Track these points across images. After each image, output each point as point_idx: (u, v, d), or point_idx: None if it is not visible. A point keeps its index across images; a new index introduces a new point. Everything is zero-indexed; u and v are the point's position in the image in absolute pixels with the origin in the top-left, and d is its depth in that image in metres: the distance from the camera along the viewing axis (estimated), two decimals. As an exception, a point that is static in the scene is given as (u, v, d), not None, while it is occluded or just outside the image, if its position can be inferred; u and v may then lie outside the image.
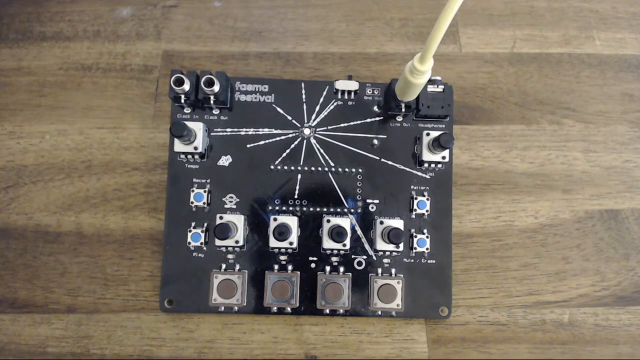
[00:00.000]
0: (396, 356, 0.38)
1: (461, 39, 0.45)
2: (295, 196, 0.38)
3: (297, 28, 0.45)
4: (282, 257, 0.38)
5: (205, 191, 0.37)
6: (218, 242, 0.36)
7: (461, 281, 0.40)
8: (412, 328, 0.39)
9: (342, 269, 0.38)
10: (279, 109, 0.39)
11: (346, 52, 0.45)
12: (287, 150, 0.39)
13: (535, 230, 0.41)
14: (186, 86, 0.36)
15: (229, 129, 0.39)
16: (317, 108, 0.39)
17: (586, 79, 0.44)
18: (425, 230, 0.38)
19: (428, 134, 0.38)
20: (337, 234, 0.36)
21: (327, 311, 0.37)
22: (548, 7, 0.47)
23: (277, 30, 0.45)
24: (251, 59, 0.44)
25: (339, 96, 0.39)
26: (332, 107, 0.39)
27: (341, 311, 0.37)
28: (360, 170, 0.39)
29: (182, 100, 0.37)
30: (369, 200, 0.38)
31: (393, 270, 0.38)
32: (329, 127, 0.39)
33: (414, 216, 0.38)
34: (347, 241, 0.36)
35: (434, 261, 0.38)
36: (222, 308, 0.37)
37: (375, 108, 0.39)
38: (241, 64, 0.44)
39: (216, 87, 0.37)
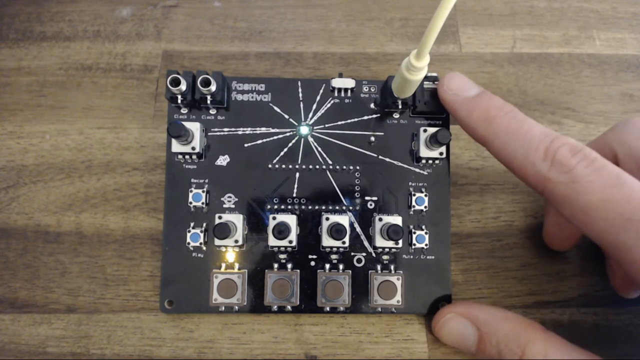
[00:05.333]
0: (396, 356, 0.38)
1: (461, 39, 0.46)
2: (294, 195, 0.38)
3: (297, 28, 0.45)
4: (282, 256, 0.38)
5: (203, 191, 0.37)
6: (217, 242, 0.36)
7: (461, 281, 0.40)
8: (412, 328, 0.39)
9: (341, 267, 0.37)
10: (276, 108, 0.39)
11: (346, 52, 0.45)
12: (285, 149, 0.39)
13: (536, 230, 0.41)
14: (183, 86, 0.36)
15: (226, 129, 0.39)
16: (314, 106, 0.39)
17: (586, 79, 0.44)
18: (423, 227, 0.38)
19: (425, 131, 0.38)
20: (336, 231, 0.36)
21: (328, 309, 0.37)
22: (548, 7, 0.47)
23: (277, 30, 0.45)
24: (251, 59, 0.44)
25: (336, 94, 0.39)
26: (329, 105, 0.39)
27: (341, 308, 0.37)
28: (358, 167, 0.39)
29: (179, 101, 0.37)
30: (367, 198, 0.38)
31: (392, 267, 0.38)
32: (326, 125, 0.39)
33: (412, 212, 0.38)
34: (346, 239, 0.36)
35: (433, 257, 0.38)
36: (223, 308, 0.37)
37: (372, 105, 0.39)
38: (241, 64, 0.44)
39: (213, 87, 0.37)
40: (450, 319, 0.36)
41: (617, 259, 0.28)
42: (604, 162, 0.28)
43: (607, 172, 0.28)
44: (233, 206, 0.38)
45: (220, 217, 0.37)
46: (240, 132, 0.39)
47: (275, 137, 0.39)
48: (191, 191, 0.37)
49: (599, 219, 0.27)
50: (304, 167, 0.38)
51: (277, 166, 0.38)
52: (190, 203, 0.37)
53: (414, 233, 0.37)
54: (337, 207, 0.38)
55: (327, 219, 0.37)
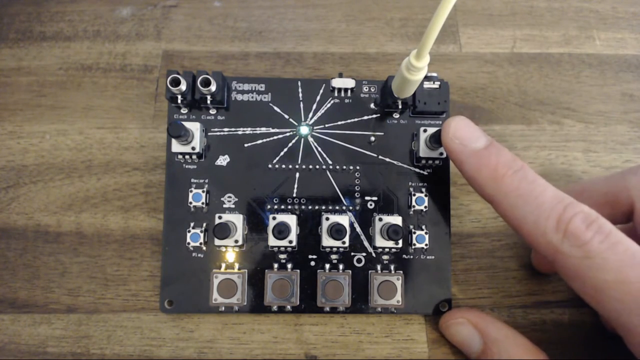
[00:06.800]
0: (396, 356, 0.38)
1: (461, 39, 0.45)
2: (294, 195, 0.38)
3: (297, 28, 0.45)
4: (282, 256, 0.38)
5: (203, 191, 0.37)
6: (217, 242, 0.36)
7: (461, 281, 0.40)
8: (412, 328, 0.39)
9: (341, 267, 0.37)
10: (275, 108, 0.39)
11: (346, 52, 0.45)
12: (285, 149, 0.39)
13: (535, 230, 0.41)
14: (183, 86, 0.36)
15: (226, 129, 0.39)
16: (314, 106, 0.39)
17: (586, 79, 0.44)
18: (423, 227, 0.38)
19: (425, 131, 0.38)
20: (336, 231, 0.36)
21: (328, 309, 0.37)
22: (548, 7, 0.47)
23: (277, 30, 0.45)
24: (251, 59, 0.44)
25: (336, 94, 0.39)
26: (329, 105, 0.39)
27: (341, 308, 0.37)
28: (358, 167, 0.39)
29: (179, 101, 0.37)
30: (367, 198, 0.38)
31: (392, 267, 0.38)
32: (326, 125, 0.39)
33: (412, 212, 0.38)
34: (346, 239, 0.36)
35: (433, 257, 0.38)
36: (223, 308, 0.37)
37: (372, 105, 0.39)
38: (241, 64, 0.44)
39: (213, 87, 0.37)
40: (460, 323, 0.36)
41: (624, 338, 0.28)
42: (619, 235, 0.27)
43: (622, 249, 0.26)
44: (233, 206, 0.38)
45: (220, 217, 0.37)
46: (240, 132, 0.39)
47: (275, 137, 0.39)
48: (191, 191, 0.37)
49: (612, 299, 0.26)
50: (304, 167, 0.38)
51: (277, 166, 0.38)
52: (190, 203, 0.37)
53: (414, 233, 0.37)
54: (337, 207, 0.38)
55: (327, 219, 0.37)
